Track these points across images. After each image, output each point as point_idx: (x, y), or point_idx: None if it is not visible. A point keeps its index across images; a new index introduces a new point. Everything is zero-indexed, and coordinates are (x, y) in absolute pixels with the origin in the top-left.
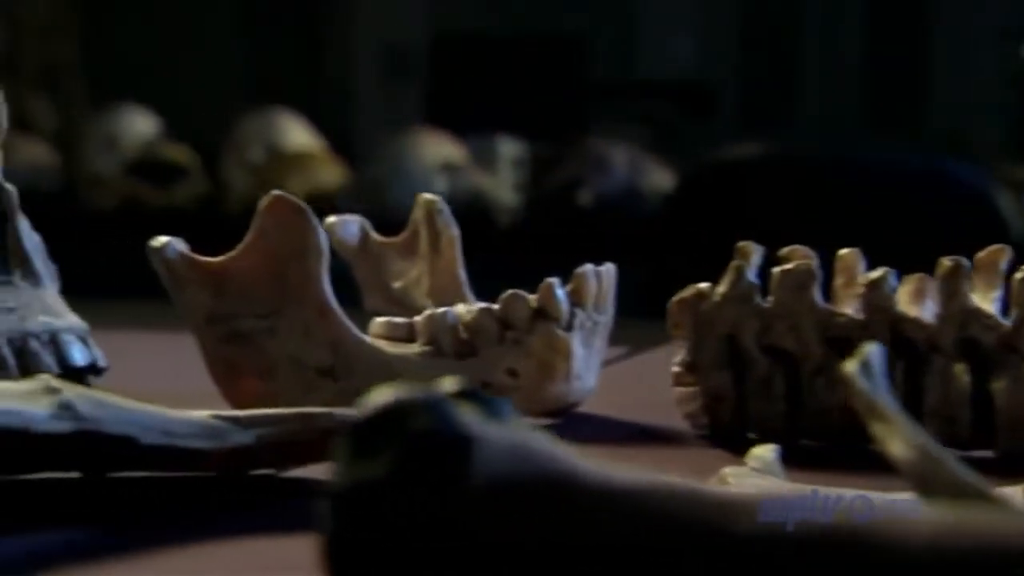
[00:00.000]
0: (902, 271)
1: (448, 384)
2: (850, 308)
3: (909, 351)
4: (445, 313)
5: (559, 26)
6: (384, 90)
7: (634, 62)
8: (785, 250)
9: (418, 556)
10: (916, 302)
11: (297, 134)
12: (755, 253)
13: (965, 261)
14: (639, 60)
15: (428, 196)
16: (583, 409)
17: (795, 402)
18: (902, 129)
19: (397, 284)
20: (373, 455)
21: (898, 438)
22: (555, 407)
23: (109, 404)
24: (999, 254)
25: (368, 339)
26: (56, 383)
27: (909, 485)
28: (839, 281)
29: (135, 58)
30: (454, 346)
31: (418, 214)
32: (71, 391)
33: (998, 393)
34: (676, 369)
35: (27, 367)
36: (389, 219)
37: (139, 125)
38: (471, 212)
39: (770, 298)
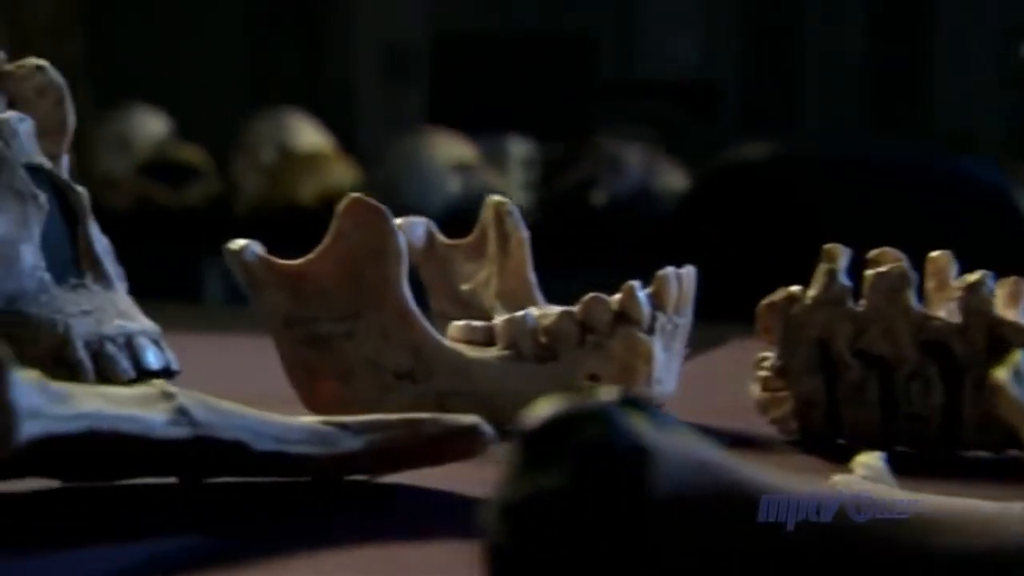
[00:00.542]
0: (920, 270)
1: (607, 392)
2: (943, 311)
3: (1006, 354)
4: (524, 316)
5: (560, 26)
6: (384, 90)
7: (637, 62)
8: (874, 252)
9: (594, 569)
10: (1011, 305)
11: (308, 134)
12: (843, 255)
13: None
14: (642, 60)
15: (497, 198)
16: None
17: (889, 408)
18: (904, 128)
19: (465, 286)
20: (545, 466)
21: None
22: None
23: (222, 410)
24: None
25: (447, 342)
26: (171, 388)
27: None
28: (931, 284)
29: (137, 59)
30: (534, 350)
31: (486, 215)
32: (186, 397)
33: None
34: (764, 374)
35: (104, 371)
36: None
37: (151, 126)
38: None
39: (862, 301)
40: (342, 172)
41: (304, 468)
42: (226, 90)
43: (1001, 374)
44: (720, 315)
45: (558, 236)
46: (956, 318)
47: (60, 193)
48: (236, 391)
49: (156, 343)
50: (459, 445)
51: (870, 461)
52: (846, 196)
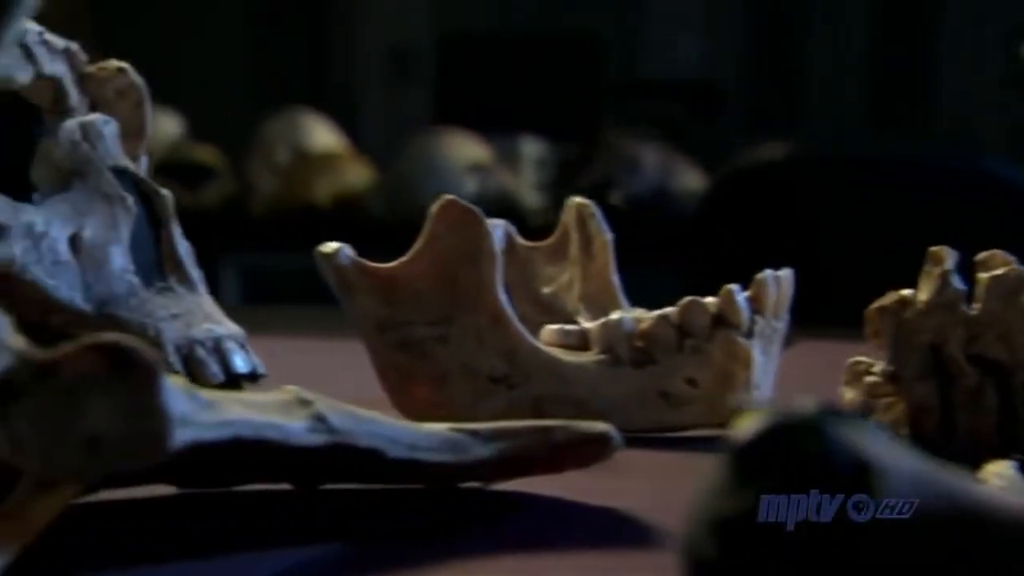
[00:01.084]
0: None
1: (806, 402)
2: None
3: None
4: (621, 320)
5: (564, 26)
6: (387, 91)
7: (641, 62)
8: (982, 255)
9: None
10: None
11: (322, 135)
12: (949, 258)
13: None
14: (646, 60)
15: (580, 200)
16: None
17: (1007, 414)
18: (907, 128)
19: (546, 289)
20: (760, 481)
21: None
22: (732, 418)
23: (358, 417)
24: None
25: (543, 346)
26: (306, 394)
27: None
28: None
29: (138, 60)
30: (631, 354)
31: (568, 217)
32: (322, 403)
33: None
34: (873, 379)
35: (194, 375)
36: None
37: (165, 126)
38: (501, 213)
39: (976, 305)
40: (357, 172)
41: (436, 475)
42: (228, 91)
43: None
44: None
45: None
46: None
47: (144, 196)
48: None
49: (243, 346)
50: (587, 452)
51: (1002, 470)
52: (867, 196)
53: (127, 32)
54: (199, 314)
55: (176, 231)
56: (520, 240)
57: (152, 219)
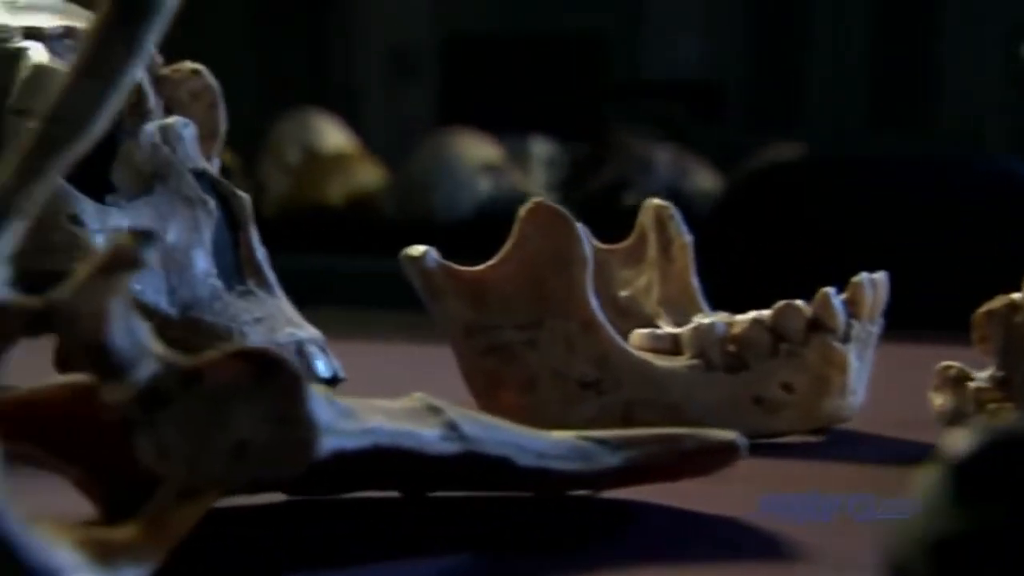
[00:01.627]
0: (966, 275)
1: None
2: None
3: None
4: (713, 324)
5: (566, 27)
6: (387, 91)
7: (643, 62)
8: None
9: None
10: None
11: (333, 135)
12: None
13: None
14: (647, 60)
15: (658, 201)
16: (843, 426)
17: None
18: (909, 127)
19: (623, 292)
20: (983, 499)
21: None
22: (826, 424)
23: (488, 424)
24: None
25: (635, 352)
26: (434, 401)
27: None
28: None
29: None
30: (724, 359)
31: (645, 219)
32: (452, 411)
33: None
34: (978, 384)
35: None
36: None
37: None
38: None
39: None
40: (368, 173)
41: (563, 484)
42: (234, 92)
43: None
44: None
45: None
46: None
47: (221, 198)
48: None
49: (323, 350)
50: (713, 461)
51: None
52: (885, 197)
53: None
54: (281, 318)
55: (254, 234)
56: (595, 242)
57: (230, 222)
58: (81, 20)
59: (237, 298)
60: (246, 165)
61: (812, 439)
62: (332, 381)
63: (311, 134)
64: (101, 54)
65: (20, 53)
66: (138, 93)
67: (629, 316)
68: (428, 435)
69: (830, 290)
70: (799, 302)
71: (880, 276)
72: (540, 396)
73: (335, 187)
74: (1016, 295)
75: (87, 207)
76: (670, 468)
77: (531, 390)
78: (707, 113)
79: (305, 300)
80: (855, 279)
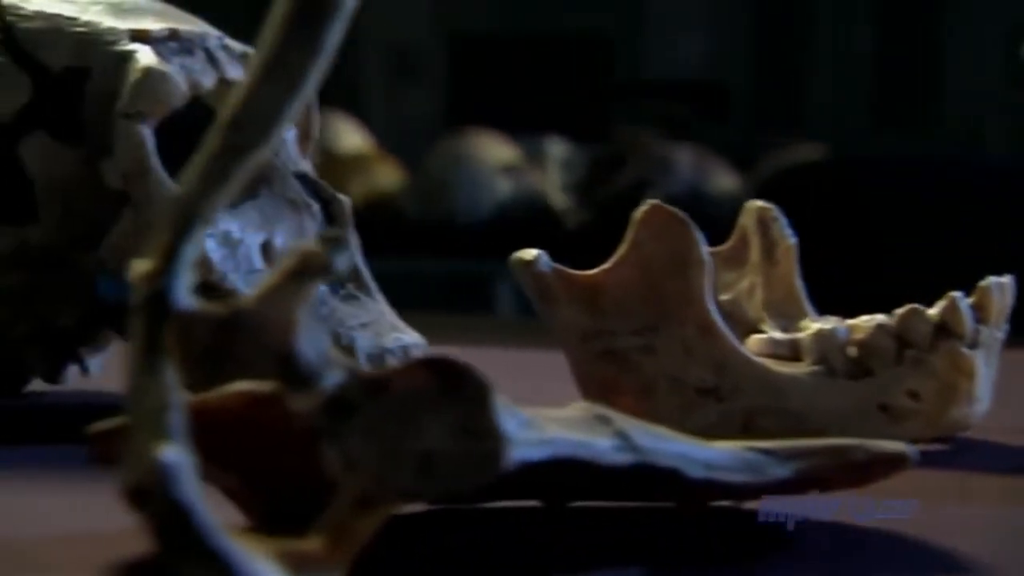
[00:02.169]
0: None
1: None
2: None
3: None
4: (835, 330)
5: (569, 27)
6: (388, 91)
7: (647, 62)
8: None
9: None
10: None
11: (350, 135)
12: None
13: None
14: (651, 60)
15: (761, 203)
16: (964, 433)
17: None
18: (911, 127)
19: (725, 296)
20: None
21: None
22: (952, 432)
23: (656, 434)
24: None
25: (755, 358)
26: (602, 411)
27: None
28: None
29: None
30: (846, 366)
31: (747, 221)
32: (621, 421)
33: None
34: None
35: None
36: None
37: None
38: (535, 214)
39: None
40: (387, 173)
41: (733, 495)
42: None
43: None
44: None
45: (612, 238)
46: None
47: (322, 201)
48: None
49: None
50: (879, 472)
51: None
52: (911, 196)
53: None
54: (385, 323)
55: (353, 237)
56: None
57: (331, 225)
58: (183, 23)
59: (342, 302)
60: None
61: (935, 447)
62: None
63: (329, 135)
64: (282, 58)
65: (128, 56)
66: None
67: (732, 320)
68: (602, 445)
69: (958, 295)
70: (943, 306)
71: (1007, 280)
72: (657, 403)
73: (354, 188)
74: None
75: None
76: (835, 479)
77: (648, 397)
78: (709, 113)
79: None
80: (982, 283)
